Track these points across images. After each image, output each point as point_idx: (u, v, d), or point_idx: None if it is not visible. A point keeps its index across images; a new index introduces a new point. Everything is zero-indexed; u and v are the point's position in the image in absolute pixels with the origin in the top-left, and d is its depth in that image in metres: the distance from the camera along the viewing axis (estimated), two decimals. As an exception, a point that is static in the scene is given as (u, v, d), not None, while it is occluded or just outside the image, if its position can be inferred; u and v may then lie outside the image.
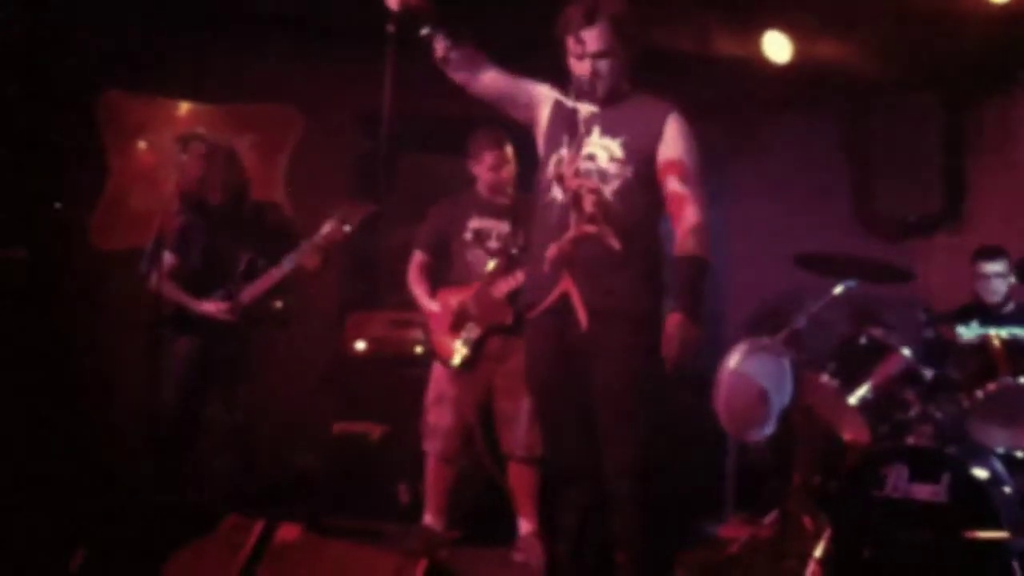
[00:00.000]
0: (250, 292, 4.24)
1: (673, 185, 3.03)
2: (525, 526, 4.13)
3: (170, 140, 4.78)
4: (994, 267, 4.71)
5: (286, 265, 4.21)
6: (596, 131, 3.08)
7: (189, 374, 4.23)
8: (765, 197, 6.01)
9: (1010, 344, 3.94)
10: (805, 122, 6.08)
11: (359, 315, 5.35)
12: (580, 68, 3.07)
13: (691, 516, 4.68)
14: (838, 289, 4.23)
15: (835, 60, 5.25)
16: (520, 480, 4.13)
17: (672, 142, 3.06)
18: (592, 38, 3.02)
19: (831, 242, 5.64)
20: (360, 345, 5.23)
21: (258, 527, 2.88)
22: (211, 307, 4.22)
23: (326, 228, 4.19)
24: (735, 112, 5.72)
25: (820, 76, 5.42)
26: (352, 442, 4.88)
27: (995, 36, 4.83)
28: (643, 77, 3.21)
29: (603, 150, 3.08)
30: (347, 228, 4.19)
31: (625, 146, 3.07)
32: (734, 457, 5.02)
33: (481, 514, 4.45)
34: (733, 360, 4.14)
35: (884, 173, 5.95)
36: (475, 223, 4.24)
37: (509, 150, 4.22)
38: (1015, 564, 3.46)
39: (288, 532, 2.88)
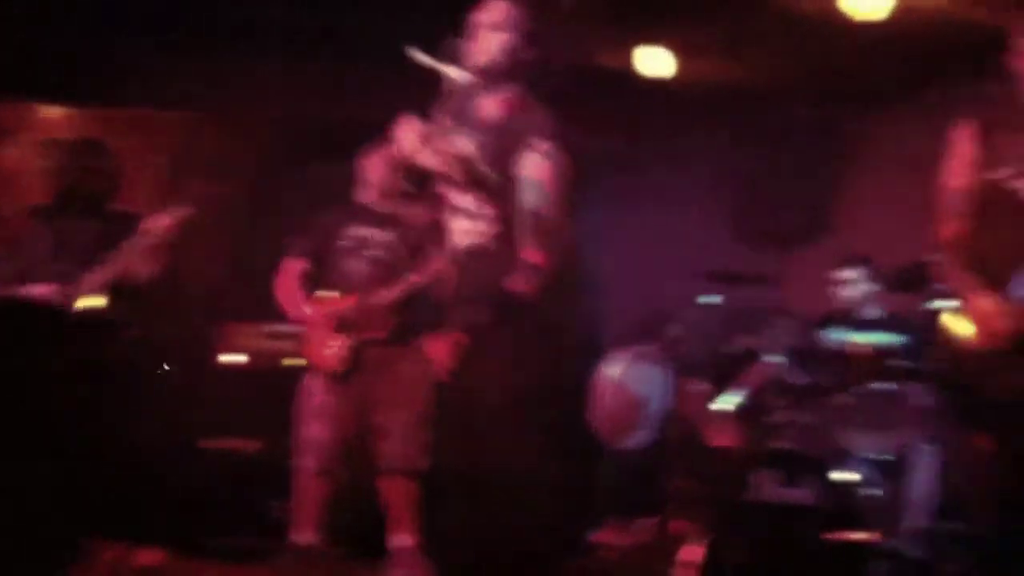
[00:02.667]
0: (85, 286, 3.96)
1: None
2: (404, 540, 4.05)
3: (34, 145, 4.59)
4: (846, 274, 4.78)
5: (108, 269, 3.95)
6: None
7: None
8: (644, 207, 6.11)
9: (872, 351, 4.08)
10: (686, 134, 6.20)
11: (229, 325, 5.22)
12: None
13: (566, 523, 4.69)
14: (703, 299, 4.33)
15: (715, 76, 5.37)
16: (397, 494, 4.06)
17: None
18: (495, 7, 3.03)
19: (708, 252, 5.82)
20: (230, 357, 5.08)
21: (115, 550, 2.76)
22: (40, 290, 3.92)
23: (147, 226, 3.95)
24: (616, 124, 5.79)
25: (701, 92, 5.53)
26: (222, 458, 4.74)
27: (867, 55, 5.00)
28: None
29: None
30: (171, 218, 3.94)
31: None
32: (610, 463, 5.06)
33: (358, 529, 4.37)
34: (611, 368, 4.21)
35: (761, 186, 6.12)
36: (355, 231, 4.17)
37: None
38: (883, 565, 3.58)
39: (150, 556, 2.76)
